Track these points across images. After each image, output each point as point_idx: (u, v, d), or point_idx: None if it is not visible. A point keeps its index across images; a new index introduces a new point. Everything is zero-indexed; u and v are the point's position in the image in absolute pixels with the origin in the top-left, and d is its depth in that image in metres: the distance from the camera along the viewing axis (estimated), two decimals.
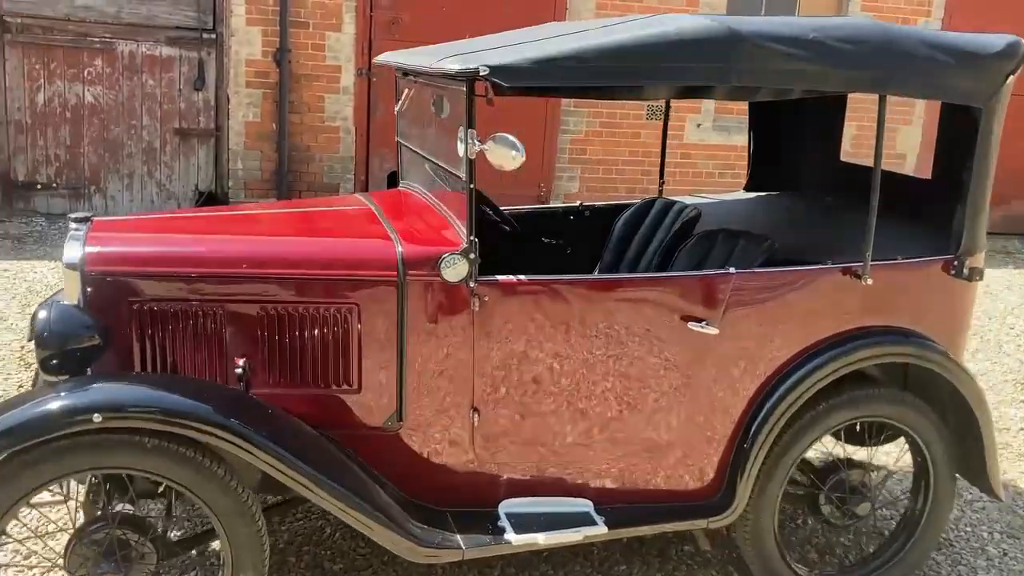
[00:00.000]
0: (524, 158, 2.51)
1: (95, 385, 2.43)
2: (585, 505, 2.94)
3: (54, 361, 2.54)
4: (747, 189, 4.21)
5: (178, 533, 3.23)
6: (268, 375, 2.74)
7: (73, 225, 2.79)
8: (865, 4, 9.27)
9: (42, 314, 2.60)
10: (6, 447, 2.30)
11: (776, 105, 3.99)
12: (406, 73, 3.53)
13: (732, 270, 2.88)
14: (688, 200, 3.98)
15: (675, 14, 2.81)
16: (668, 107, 4.05)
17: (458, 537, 2.76)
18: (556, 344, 2.80)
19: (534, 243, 3.92)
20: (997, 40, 2.99)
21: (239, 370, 2.67)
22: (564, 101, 8.74)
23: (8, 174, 7.70)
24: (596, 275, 2.86)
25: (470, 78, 2.52)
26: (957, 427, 3.22)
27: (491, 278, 2.73)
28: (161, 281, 2.66)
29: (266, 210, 3.33)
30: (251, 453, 2.43)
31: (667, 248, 3.47)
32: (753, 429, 2.95)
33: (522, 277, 2.76)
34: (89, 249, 2.67)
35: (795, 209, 3.94)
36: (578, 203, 4.03)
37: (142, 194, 8.02)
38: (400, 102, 3.75)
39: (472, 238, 2.67)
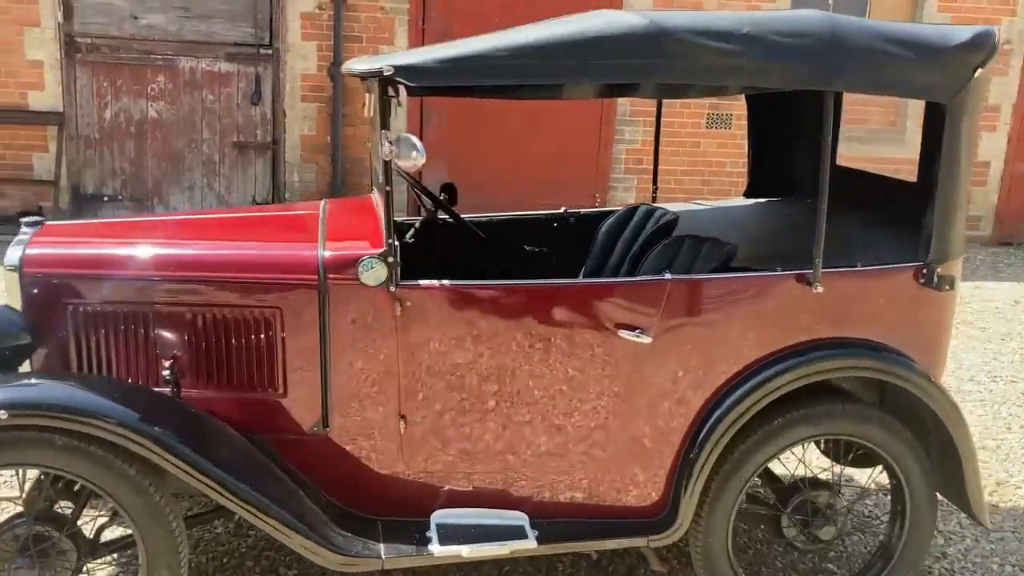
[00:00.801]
0: (424, 159, 2.47)
1: (7, 383, 2.48)
2: (520, 518, 2.85)
3: None
4: (747, 195, 4.04)
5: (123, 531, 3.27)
6: (197, 378, 2.77)
7: (23, 228, 2.88)
8: (942, 5, 8.84)
9: None
10: None
11: (773, 107, 3.82)
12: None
13: (667, 276, 2.75)
14: (684, 207, 3.85)
15: (606, 11, 2.72)
16: (660, 107, 3.93)
17: (381, 546, 2.72)
18: (483, 351, 2.73)
19: (517, 251, 3.86)
20: (962, 31, 2.78)
21: (167, 372, 2.70)
22: (619, 111, 8.64)
23: (78, 187, 8.08)
24: (525, 281, 2.77)
25: (373, 78, 2.49)
26: (940, 446, 3.00)
27: (413, 283, 2.68)
28: (94, 283, 2.71)
29: (213, 215, 3.37)
30: (155, 452, 2.45)
31: (637, 255, 3.35)
32: (696, 445, 2.81)
33: (446, 282, 2.70)
34: (28, 252, 2.75)
35: (791, 215, 3.75)
36: (563, 209, 3.94)
37: (202, 205, 8.28)
38: (365, 107, 3.76)
39: (391, 242, 2.63)
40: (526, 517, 2.85)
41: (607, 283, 2.78)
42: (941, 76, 2.77)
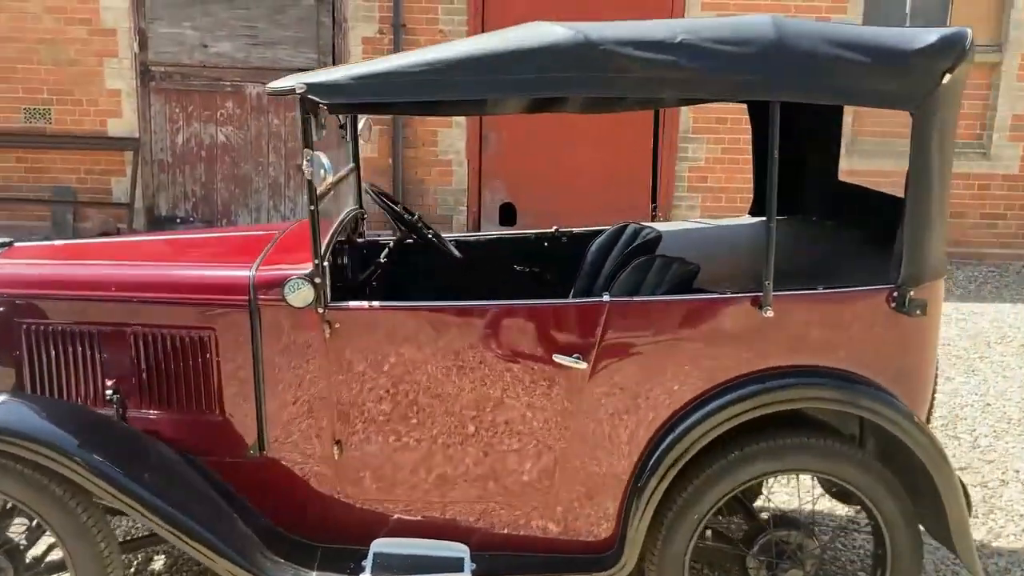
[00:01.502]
0: (331, 177, 2.44)
1: None
2: (460, 551, 2.75)
3: None
4: (752, 213, 3.84)
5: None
6: (140, 399, 2.80)
7: None
8: None
9: None
10: None
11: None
12: None
13: (605, 298, 2.61)
14: (682, 225, 3.69)
15: (538, 23, 2.62)
16: (657, 116, 3.79)
17: (313, 574, 2.67)
18: (416, 375, 2.66)
19: (506, 270, 3.77)
20: (927, 34, 2.56)
21: (110, 393, 2.74)
22: (682, 127, 8.44)
23: (152, 209, 8.41)
24: (457, 302, 2.68)
25: (287, 96, 2.47)
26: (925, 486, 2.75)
27: (342, 304, 2.64)
28: (39, 303, 2.78)
29: (174, 236, 3.41)
30: (76, 472, 2.46)
31: (611, 274, 3.22)
32: (642, 479, 2.65)
33: (375, 303, 2.65)
34: None
35: (790, 234, 3.54)
36: (553, 228, 3.84)
37: None
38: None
39: (319, 262, 2.60)
40: (467, 550, 2.75)
41: (543, 305, 2.66)
42: (903, 83, 2.56)
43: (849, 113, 8.50)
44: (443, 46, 2.56)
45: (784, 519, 2.85)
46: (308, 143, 2.54)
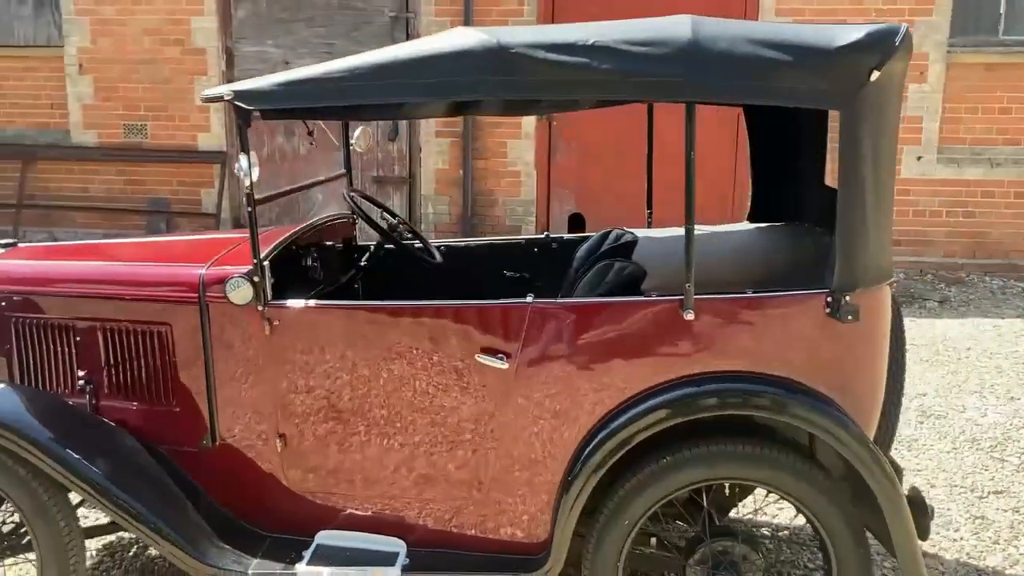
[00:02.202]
0: (249, 179, 2.55)
1: None
2: (397, 545, 2.81)
3: None
4: (750, 219, 3.75)
5: None
6: (108, 389, 2.98)
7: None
8: None
9: None
10: None
11: (771, 127, 3.54)
12: None
13: (528, 299, 2.62)
14: (671, 232, 3.65)
15: (458, 28, 2.67)
16: (651, 128, 3.76)
17: (253, 561, 2.78)
18: (349, 372, 2.74)
19: (496, 276, 3.81)
20: (853, 31, 2.46)
21: (82, 382, 2.93)
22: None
23: (238, 219, 8.84)
24: (390, 302, 2.74)
25: (215, 102, 2.59)
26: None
27: (281, 303, 2.74)
28: (28, 298, 3.00)
29: (154, 239, 3.60)
30: (31, 454, 2.64)
31: (578, 278, 3.22)
32: (568, 483, 2.64)
33: (311, 302, 2.74)
34: None
35: (780, 239, 3.44)
36: (544, 234, 3.86)
37: None
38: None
39: (258, 261, 2.71)
40: (404, 545, 2.81)
41: (469, 306, 2.69)
42: (828, 81, 2.47)
43: (934, 119, 8.16)
44: (368, 53, 2.64)
45: (723, 529, 2.77)
46: (244, 148, 2.65)
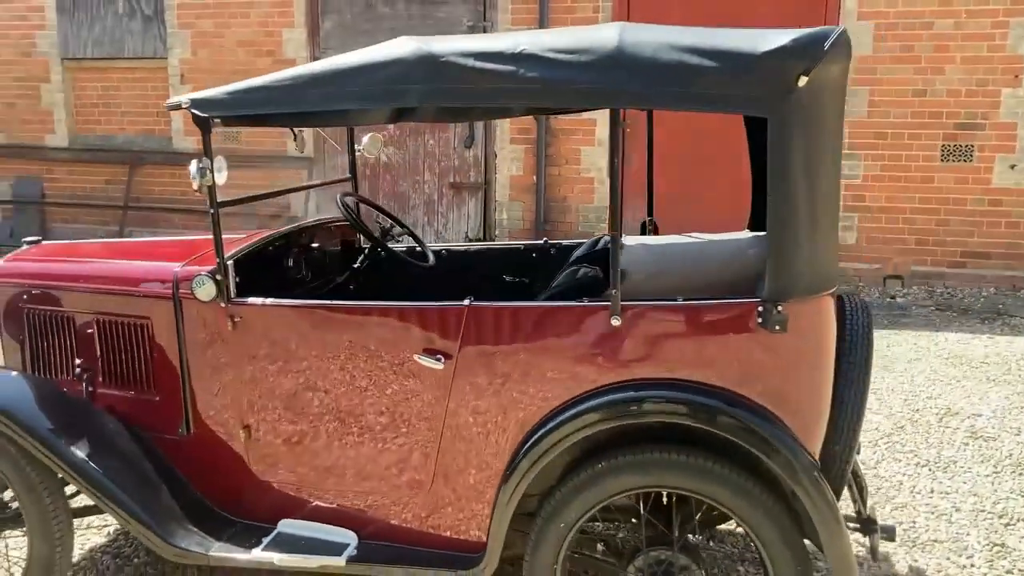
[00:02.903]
0: (198, 182, 2.69)
1: None
2: (350, 537, 2.91)
3: None
4: (750, 228, 3.68)
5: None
6: (102, 378, 3.20)
7: (24, 245, 3.53)
8: None
9: None
10: None
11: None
12: None
13: (467, 302, 2.67)
14: (665, 239, 3.63)
15: (399, 38, 2.75)
16: (652, 132, 3.74)
17: (216, 544, 2.93)
18: (303, 368, 2.86)
19: (495, 280, 3.87)
20: (780, 36, 2.40)
21: (79, 371, 3.17)
22: None
23: None
24: (341, 302, 2.83)
25: (176, 109, 2.75)
26: None
27: (242, 300, 2.89)
28: (37, 292, 3.26)
29: (161, 240, 3.80)
30: (16, 434, 2.87)
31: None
32: (502, 484, 2.68)
33: (268, 300, 2.87)
34: (1, 264, 3.37)
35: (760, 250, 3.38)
36: (544, 240, 3.90)
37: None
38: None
39: (221, 261, 2.86)
40: (356, 537, 2.90)
41: (411, 307, 2.76)
42: (755, 87, 2.42)
43: None
44: (314, 63, 2.76)
45: (662, 539, 2.74)
46: (206, 151, 2.80)
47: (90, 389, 3.19)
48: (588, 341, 2.60)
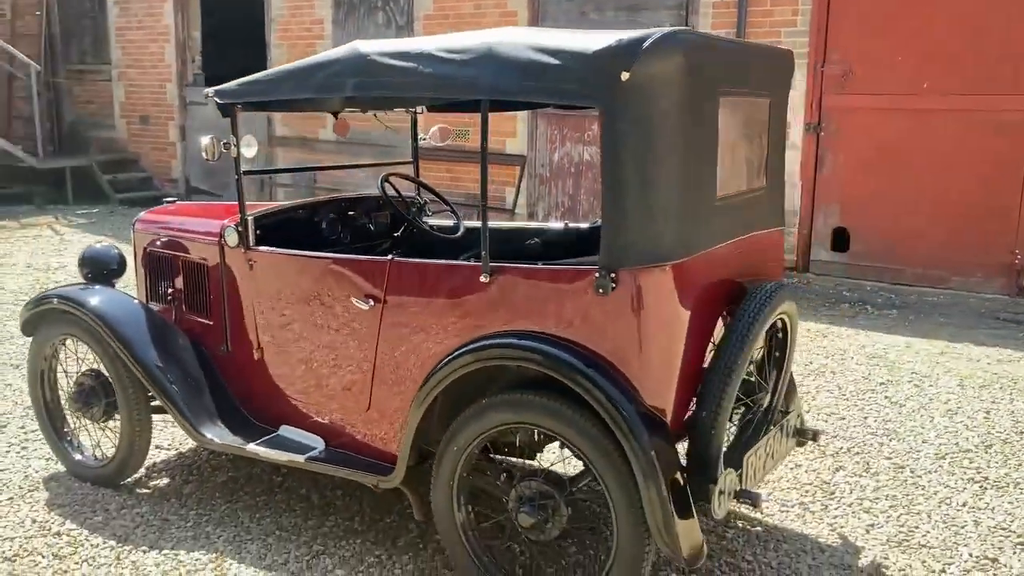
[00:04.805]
0: (207, 156, 3.45)
1: (69, 288, 4.17)
2: (317, 441, 3.60)
3: (89, 273, 4.35)
4: None
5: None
6: (184, 305, 4.14)
7: (164, 203, 4.60)
8: None
9: (87, 249, 4.44)
10: (30, 308, 4.18)
11: None
12: None
13: (390, 257, 3.24)
14: None
15: (353, 42, 3.33)
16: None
17: (229, 436, 3.73)
18: (285, 304, 3.58)
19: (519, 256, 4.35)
20: (610, 36, 2.72)
21: (169, 298, 4.15)
22: None
23: (532, 216, 9.95)
24: (306, 253, 3.44)
25: (208, 100, 3.57)
26: None
27: (257, 248, 3.67)
28: (152, 237, 4.27)
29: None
30: (105, 335, 3.87)
31: None
32: (410, 411, 3.22)
33: (270, 248, 3.63)
34: (141, 215, 4.45)
35: None
36: (564, 223, 4.33)
37: None
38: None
39: (243, 216, 3.66)
40: (323, 442, 3.59)
41: (353, 259, 3.36)
42: (586, 83, 2.75)
43: None
44: (297, 61, 3.45)
45: (532, 472, 3.12)
46: (233, 131, 3.59)
47: (176, 314, 4.15)
48: (471, 296, 3.07)
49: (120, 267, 4.36)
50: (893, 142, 7.95)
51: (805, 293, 8.04)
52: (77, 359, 4.26)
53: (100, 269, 4.32)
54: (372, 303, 3.29)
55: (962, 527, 3.86)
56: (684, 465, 2.97)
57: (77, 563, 3.55)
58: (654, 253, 2.79)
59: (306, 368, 3.60)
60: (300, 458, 3.52)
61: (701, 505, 2.91)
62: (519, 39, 2.91)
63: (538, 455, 3.64)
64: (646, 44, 2.67)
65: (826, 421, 5.05)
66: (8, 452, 4.59)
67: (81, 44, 14.13)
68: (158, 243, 4.22)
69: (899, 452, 4.63)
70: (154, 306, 4.23)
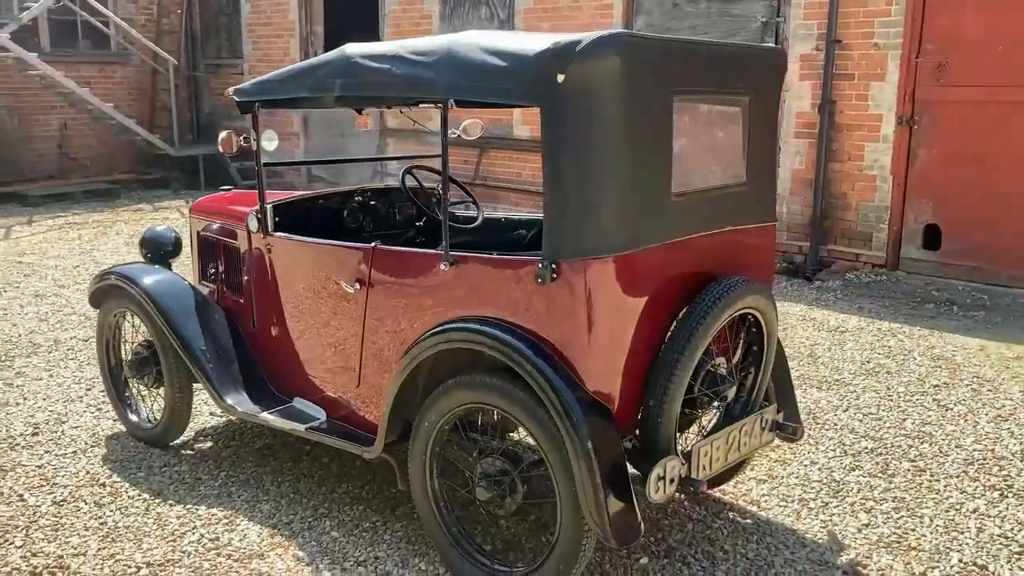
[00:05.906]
0: (228, 148, 3.76)
1: (126, 266, 4.61)
2: (320, 412, 3.89)
3: (148, 253, 4.80)
4: None
5: None
6: (223, 284, 4.52)
7: (220, 190, 5.01)
8: None
9: (147, 231, 4.88)
10: (95, 283, 4.65)
11: None
12: None
13: (372, 244, 3.48)
14: None
15: (346, 45, 3.54)
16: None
17: (249, 405, 4.07)
18: (293, 286, 3.88)
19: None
20: (547, 40, 2.84)
21: (212, 278, 4.55)
22: None
23: None
24: (311, 239, 3.66)
25: (232, 97, 3.90)
26: None
27: (275, 234, 3.98)
28: (204, 222, 4.68)
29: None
30: (150, 308, 4.29)
31: None
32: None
33: (283, 234, 3.93)
34: (197, 201, 4.87)
35: None
36: None
37: None
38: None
39: (262, 204, 3.98)
40: (325, 414, 3.88)
41: (343, 246, 3.61)
42: (527, 84, 2.88)
43: None
44: (301, 63, 3.71)
45: (494, 450, 3.28)
46: (253, 127, 3.91)
47: (218, 293, 4.54)
48: (437, 283, 3.27)
49: (176, 248, 4.79)
50: (989, 136, 7.59)
51: (890, 292, 7.80)
52: (134, 330, 4.72)
53: (158, 250, 4.77)
54: (359, 287, 3.54)
55: (961, 533, 3.78)
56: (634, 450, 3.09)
57: (111, 512, 3.97)
58: (595, 246, 2.91)
59: (312, 346, 3.89)
60: (301, 427, 3.81)
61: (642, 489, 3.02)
62: (475, 42, 3.08)
63: (511, 435, 3.81)
64: (579, 47, 2.78)
65: (860, 421, 4.97)
66: (86, 412, 5.12)
67: (218, 40, 15.08)
68: (207, 228, 4.62)
69: (925, 455, 4.52)
70: (204, 285, 4.63)
